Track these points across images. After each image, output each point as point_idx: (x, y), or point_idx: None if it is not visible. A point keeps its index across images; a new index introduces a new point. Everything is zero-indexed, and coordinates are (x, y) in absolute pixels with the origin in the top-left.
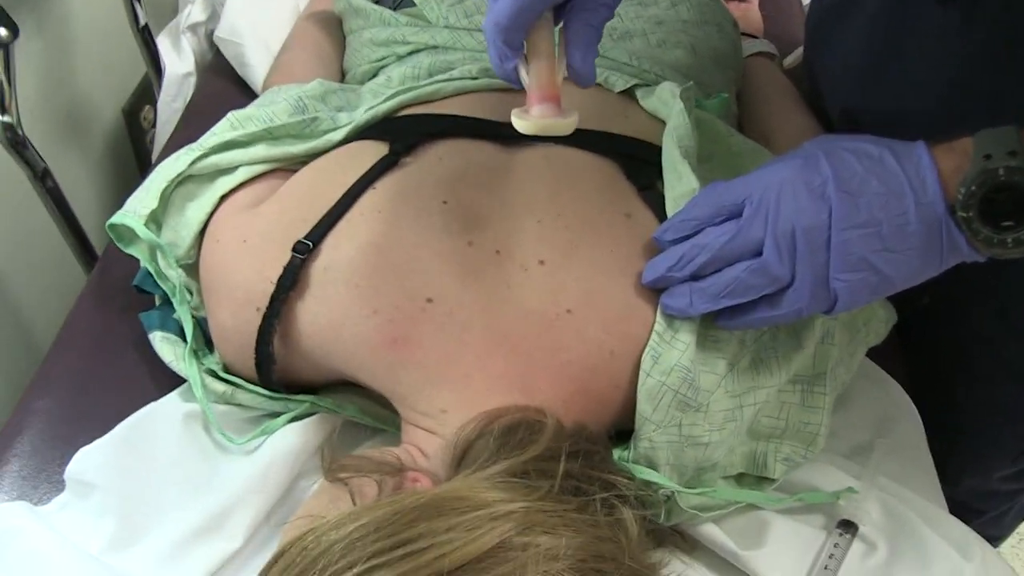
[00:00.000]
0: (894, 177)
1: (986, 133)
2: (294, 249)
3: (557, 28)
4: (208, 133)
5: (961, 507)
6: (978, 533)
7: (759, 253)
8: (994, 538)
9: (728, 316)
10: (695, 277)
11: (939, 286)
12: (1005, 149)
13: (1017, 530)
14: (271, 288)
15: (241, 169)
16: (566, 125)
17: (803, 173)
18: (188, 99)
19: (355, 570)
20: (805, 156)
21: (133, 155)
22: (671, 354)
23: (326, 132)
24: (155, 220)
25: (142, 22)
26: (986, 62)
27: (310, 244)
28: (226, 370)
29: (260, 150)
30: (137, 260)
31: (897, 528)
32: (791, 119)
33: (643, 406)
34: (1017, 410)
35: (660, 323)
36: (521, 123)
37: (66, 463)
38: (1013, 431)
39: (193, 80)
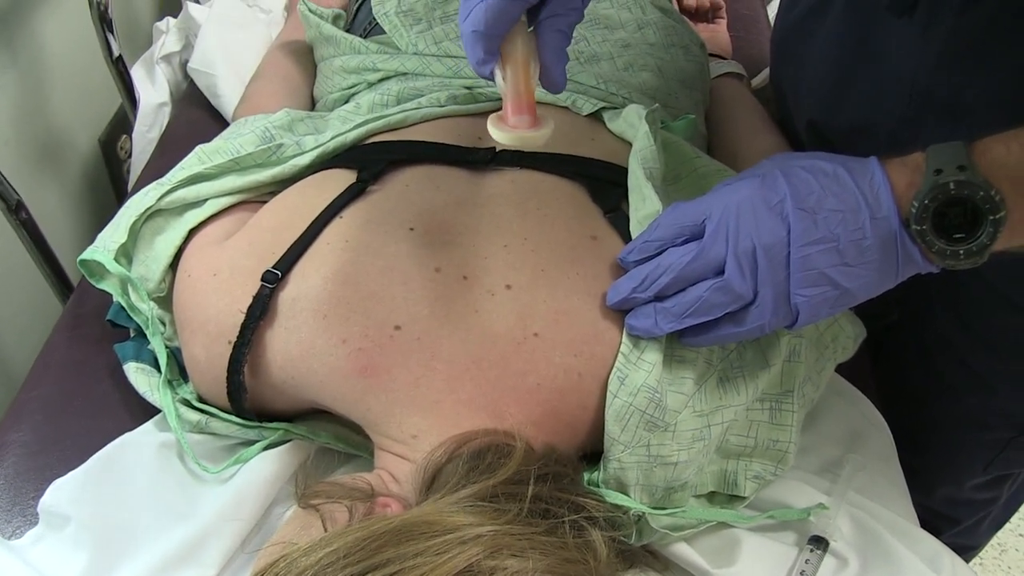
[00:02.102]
0: (849, 193)
1: (936, 148)
2: (263, 279)
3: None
4: (176, 167)
5: (937, 516)
6: (955, 543)
7: (721, 272)
8: (971, 548)
9: (693, 334)
10: (659, 297)
11: (907, 299)
12: (955, 164)
13: (998, 540)
14: (242, 318)
15: (210, 202)
16: (541, 136)
17: (761, 191)
18: (163, 129)
19: None
20: (762, 175)
21: (110, 185)
22: (637, 375)
23: (292, 157)
24: (125, 254)
25: (116, 53)
26: (945, 71)
27: (279, 273)
28: (200, 400)
29: (228, 182)
30: (111, 293)
31: (868, 543)
32: (760, 139)
33: (611, 427)
34: (985, 419)
35: (626, 344)
36: (498, 133)
37: (40, 495)
38: (981, 439)
39: (168, 110)
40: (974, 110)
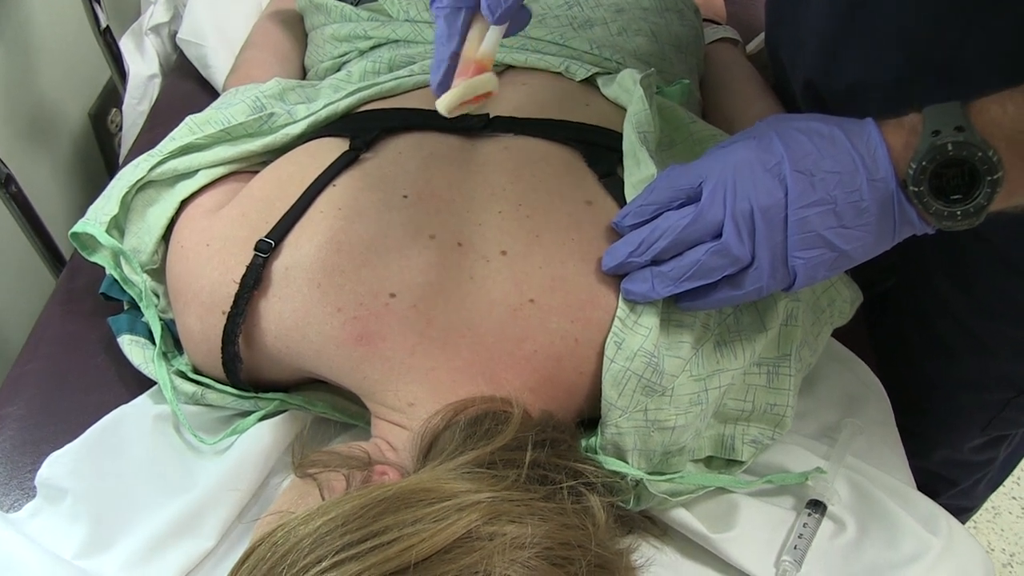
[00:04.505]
0: (846, 155)
1: (933, 109)
2: (256, 248)
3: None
4: (167, 138)
5: (935, 478)
6: (952, 505)
7: (719, 235)
8: (967, 509)
9: (690, 298)
10: (656, 261)
11: (905, 263)
12: (952, 125)
13: (992, 504)
14: (235, 288)
15: (201, 172)
16: (485, 80)
17: (758, 153)
18: (153, 101)
19: (323, 564)
20: (757, 136)
21: (101, 159)
22: (634, 339)
23: (283, 126)
24: (117, 227)
25: (103, 24)
26: (941, 33)
27: (272, 243)
28: (195, 371)
29: (219, 152)
30: (103, 266)
31: (865, 506)
32: (754, 104)
33: (608, 392)
34: (985, 381)
35: (622, 309)
36: (439, 103)
37: (37, 468)
38: (981, 400)
39: (158, 82)
40: (971, 68)
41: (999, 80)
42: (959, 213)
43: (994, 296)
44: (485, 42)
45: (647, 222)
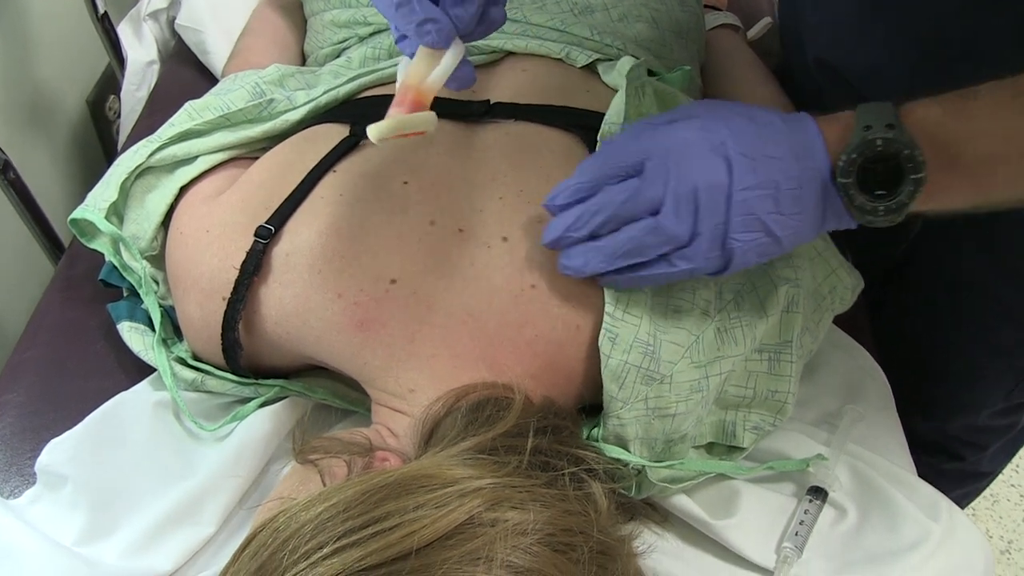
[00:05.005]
0: (785, 143)
1: (866, 107)
2: (256, 234)
3: None
4: (166, 124)
5: (957, 443)
6: (975, 471)
7: (657, 212)
8: (987, 474)
9: (620, 274)
10: (593, 236)
11: (931, 233)
12: (884, 122)
13: (991, 491)
14: (235, 275)
15: (201, 158)
16: (423, 119)
17: (703, 134)
18: (152, 87)
19: (325, 550)
20: (700, 117)
21: (99, 146)
22: (627, 331)
23: (283, 113)
24: (116, 213)
25: (101, 10)
26: (964, 13)
27: (272, 229)
28: (195, 358)
29: (219, 138)
30: (103, 253)
31: (866, 493)
32: (756, 91)
33: (609, 386)
34: (1009, 347)
35: (609, 303)
36: (370, 130)
37: (37, 455)
38: (1005, 366)
39: (156, 68)
40: (990, 56)
41: (1015, 63)
42: (881, 208)
43: (1022, 263)
44: (435, 73)
45: (585, 200)
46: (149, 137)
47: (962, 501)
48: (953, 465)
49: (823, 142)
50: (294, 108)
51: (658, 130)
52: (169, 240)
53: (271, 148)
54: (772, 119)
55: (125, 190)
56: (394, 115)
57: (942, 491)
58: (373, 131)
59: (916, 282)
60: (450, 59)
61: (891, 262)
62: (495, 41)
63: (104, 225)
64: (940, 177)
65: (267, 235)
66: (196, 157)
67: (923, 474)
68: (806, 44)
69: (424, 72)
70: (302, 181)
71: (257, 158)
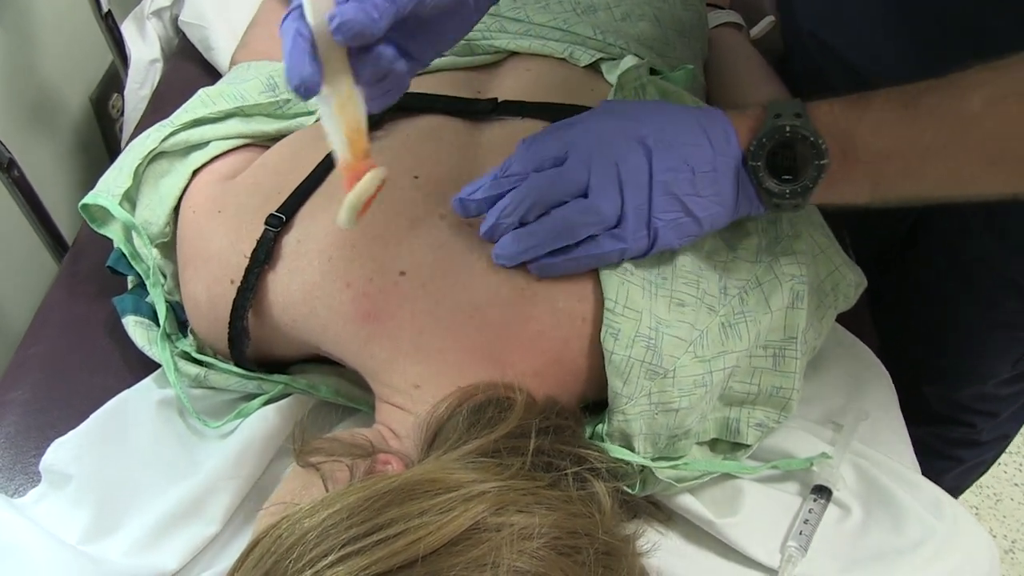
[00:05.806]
0: (701, 132)
1: (776, 102)
2: (267, 223)
3: None
4: (180, 109)
5: (968, 411)
6: (985, 440)
7: (584, 195)
8: (1005, 436)
9: (550, 258)
10: (524, 223)
11: (941, 213)
12: (792, 112)
13: (994, 491)
14: (245, 262)
15: (213, 144)
16: (368, 186)
17: (621, 123)
18: (155, 85)
19: (329, 558)
20: (615, 113)
21: (103, 144)
22: (628, 325)
23: (298, 115)
24: (129, 199)
25: (105, 9)
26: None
27: (283, 217)
28: (199, 351)
29: (232, 125)
30: (109, 246)
31: (870, 492)
32: (760, 89)
33: (613, 382)
34: (1017, 321)
35: (608, 299)
36: (339, 222)
37: (41, 454)
38: (1013, 339)
39: (160, 66)
40: (997, 42)
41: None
42: (788, 192)
43: None
44: (350, 115)
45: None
46: (162, 122)
47: (979, 470)
48: (963, 433)
49: (735, 131)
50: (309, 113)
51: (576, 125)
52: (181, 219)
53: (283, 138)
54: (686, 112)
55: (138, 176)
56: (344, 199)
57: (957, 461)
58: (342, 223)
59: (925, 258)
60: (360, 119)
61: (890, 250)
62: (499, 41)
63: (118, 211)
64: (840, 167)
65: (278, 224)
66: (209, 142)
67: (937, 445)
68: (798, 17)
69: (347, 141)
70: (314, 170)
71: (269, 145)
